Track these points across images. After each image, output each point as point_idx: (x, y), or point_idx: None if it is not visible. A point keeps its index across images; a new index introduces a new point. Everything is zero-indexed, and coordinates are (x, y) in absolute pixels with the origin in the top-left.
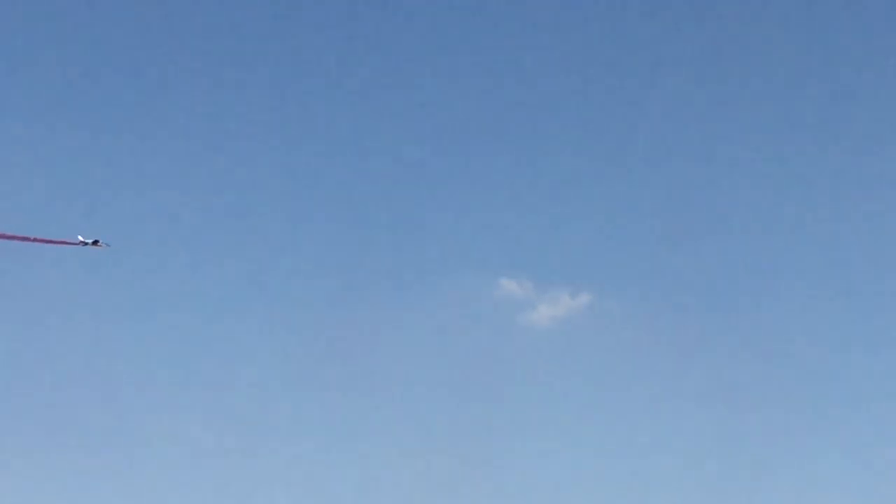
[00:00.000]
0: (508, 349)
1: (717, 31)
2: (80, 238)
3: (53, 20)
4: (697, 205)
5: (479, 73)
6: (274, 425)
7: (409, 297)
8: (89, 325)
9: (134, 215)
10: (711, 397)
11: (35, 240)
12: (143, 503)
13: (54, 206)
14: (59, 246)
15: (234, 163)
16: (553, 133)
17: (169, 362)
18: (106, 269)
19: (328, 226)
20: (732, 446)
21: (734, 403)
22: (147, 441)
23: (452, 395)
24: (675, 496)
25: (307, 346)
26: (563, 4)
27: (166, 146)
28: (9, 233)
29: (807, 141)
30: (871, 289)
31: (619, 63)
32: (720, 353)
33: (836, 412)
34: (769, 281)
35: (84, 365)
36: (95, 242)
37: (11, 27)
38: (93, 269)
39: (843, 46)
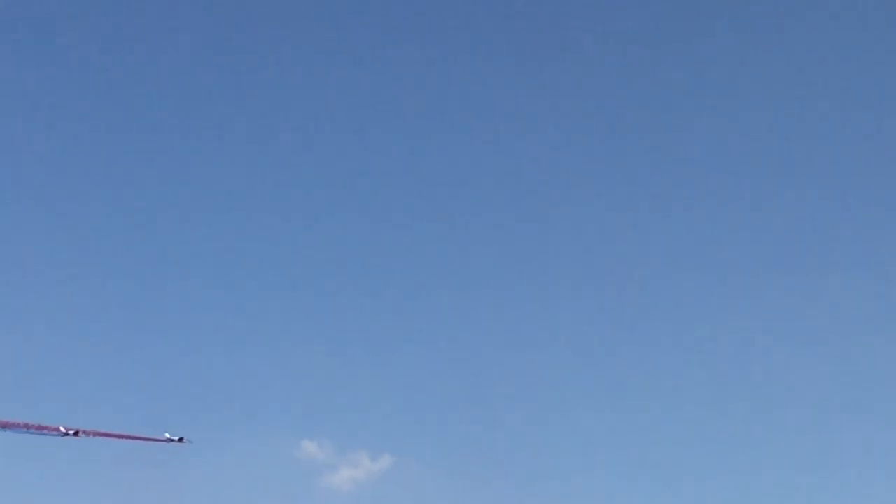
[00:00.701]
0: None
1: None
2: (167, 435)
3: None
4: (494, 368)
5: None
6: None
7: (212, 456)
8: None
9: None
10: None
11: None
12: None
13: None
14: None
15: None
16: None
17: None
18: None
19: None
20: None
21: None
22: None
23: None
24: None
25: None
26: None
27: None
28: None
29: None
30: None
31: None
32: None
33: None
34: (562, 449)
35: None
36: (181, 440)
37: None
38: None
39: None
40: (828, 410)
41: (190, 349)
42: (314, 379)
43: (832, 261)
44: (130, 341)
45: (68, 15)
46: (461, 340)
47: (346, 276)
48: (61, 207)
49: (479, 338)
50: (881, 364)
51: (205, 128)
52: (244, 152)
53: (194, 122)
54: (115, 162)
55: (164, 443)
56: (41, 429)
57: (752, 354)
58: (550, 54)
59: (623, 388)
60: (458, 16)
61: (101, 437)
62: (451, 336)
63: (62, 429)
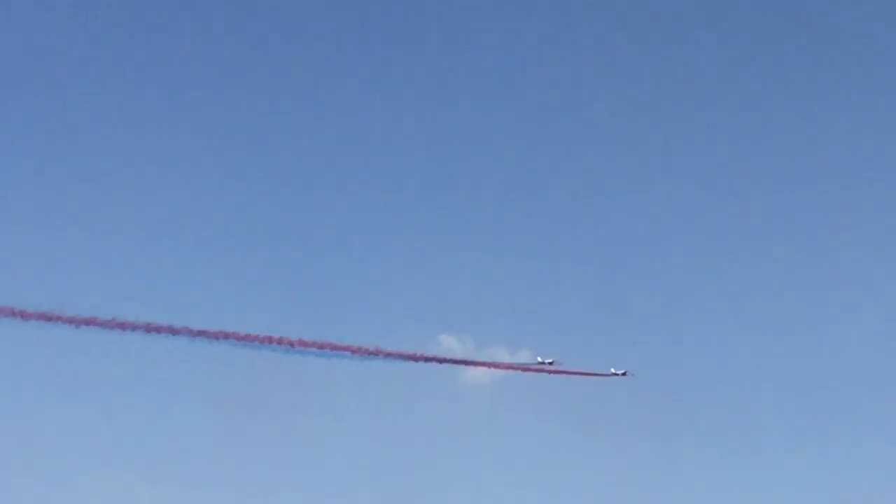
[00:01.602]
0: None
1: None
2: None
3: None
4: (629, 270)
5: None
6: None
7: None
8: None
9: None
10: None
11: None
12: None
13: None
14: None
15: None
16: None
17: None
18: None
19: None
20: None
21: None
22: None
23: None
24: None
25: None
26: None
27: None
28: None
29: None
30: None
31: None
32: None
33: None
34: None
35: None
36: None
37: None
38: None
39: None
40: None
41: (334, 253)
42: (453, 277)
43: None
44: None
45: None
46: (598, 244)
47: (484, 181)
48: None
49: (613, 241)
50: None
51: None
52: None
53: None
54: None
55: (608, 376)
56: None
57: None
58: None
59: None
60: None
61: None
62: (589, 238)
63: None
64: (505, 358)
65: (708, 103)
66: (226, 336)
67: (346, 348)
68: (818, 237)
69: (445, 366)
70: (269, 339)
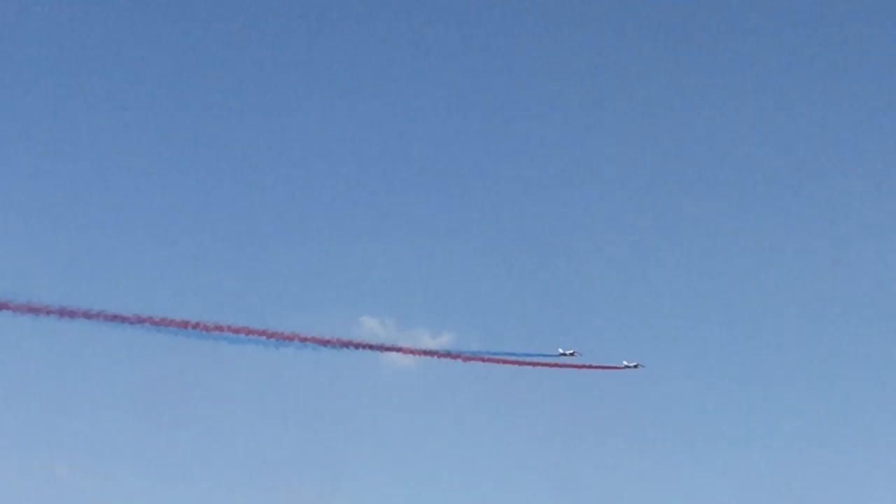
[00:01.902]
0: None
1: None
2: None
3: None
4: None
5: None
6: None
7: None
8: None
9: None
10: None
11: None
12: None
13: None
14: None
15: None
16: None
17: None
18: None
19: None
20: None
21: None
22: None
23: None
24: None
25: None
26: None
27: None
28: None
29: None
30: None
31: None
32: None
33: None
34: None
35: None
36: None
37: None
38: None
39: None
40: None
41: (253, 236)
42: (374, 258)
43: None
44: (198, 228)
45: None
46: (520, 229)
47: (405, 163)
48: None
49: (534, 227)
50: None
51: None
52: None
53: None
54: None
55: (621, 369)
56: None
57: None
58: None
59: None
60: None
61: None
62: (512, 224)
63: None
64: (426, 341)
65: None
66: (140, 321)
67: (262, 333)
68: (815, 229)
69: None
70: (186, 324)
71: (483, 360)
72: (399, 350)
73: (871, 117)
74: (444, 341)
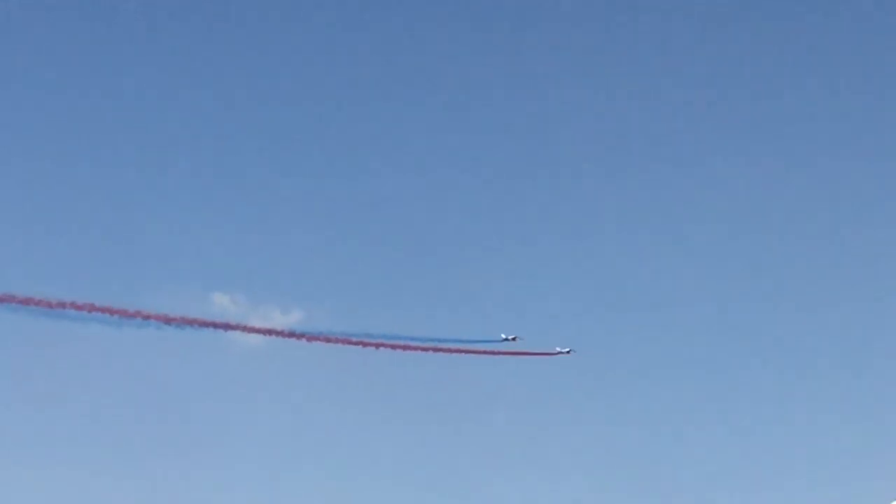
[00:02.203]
0: None
1: None
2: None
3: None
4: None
5: None
6: None
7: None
8: None
9: None
10: None
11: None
12: None
13: None
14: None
15: None
16: None
17: None
18: None
19: None
20: None
21: None
22: None
23: None
24: None
25: None
26: None
27: None
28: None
29: None
30: None
31: None
32: None
33: None
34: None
35: None
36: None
37: None
38: None
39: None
40: None
41: (100, 208)
42: (226, 233)
43: None
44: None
45: None
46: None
47: (247, 135)
48: None
49: (387, 203)
50: None
51: None
52: None
53: None
54: None
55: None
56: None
57: None
58: None
59: None
60: None
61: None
62: (363, 198)
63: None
64: (277, 318)
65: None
66: None
67: (106, 310)
68: (759, 207)
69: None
70: (28, 301)
71: (390, 346)
72: (267, 332)
73: (869, 118)
74: (294, 318)
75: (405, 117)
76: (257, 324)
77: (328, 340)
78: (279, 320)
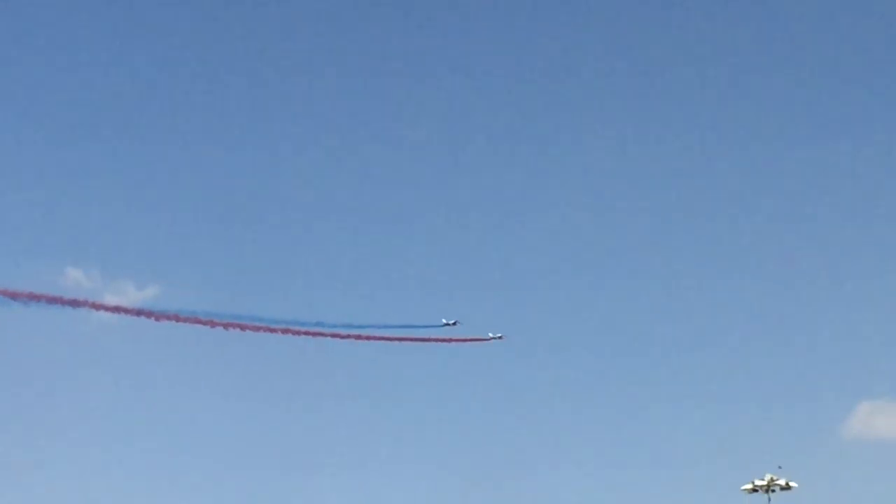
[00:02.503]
0: None
1: None
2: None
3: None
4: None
5: None
6: None
7: None
8: None
9: None
10: None
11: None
12: None
13: None
14: None
15: None
16: None
17: None
18: None
19: None
20: None
21: None
22: None
23: None
24: None
25: None
26: None
27: None
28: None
29: None
30: None
31: None
32: None
33: None
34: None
35: None
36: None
37: None
38: None
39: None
40: None
41: None
42: (79, 205)
43: None
44: None
45: None
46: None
47: (102, 106)
48: None
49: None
50: None
51: None
52: None
53: None
54: None
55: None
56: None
57: None
58: None
59: None
60: None
61: None
62: (219, 172)
63: None
64: (132, 293)
65: None
66: None
67: None
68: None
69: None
70: None
71: (239, 326)
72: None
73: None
74: (149, 294)
75: (269, 88)
76: (112, 299)
77: (178, 320)
78: (133, 296)
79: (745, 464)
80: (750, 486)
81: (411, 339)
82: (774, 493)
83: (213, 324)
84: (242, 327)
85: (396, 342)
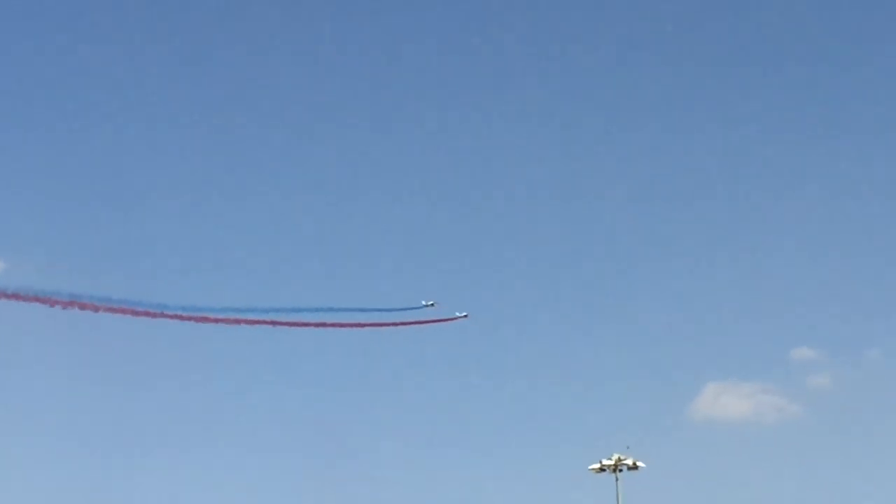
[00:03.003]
0: None
1: None
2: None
3: None
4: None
5: None
6: None
7: None
8: None
9: None
10: None
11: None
12: None
13: None
14: None
15: None
16: None
17: None
18: None
19: None
20: None
21: None
22: None
23: None
24: None
25: None
26: None
27: None
28: None
29: None
30: None
31: None
32: None
33: None
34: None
35: None
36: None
37: None
38: None
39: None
40: None
41: None
42: None
43: None
44: None
45: None
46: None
47: None
48: None
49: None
50: None
51: None
52: None
53: None
54: None
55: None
56: None
57: None
58: None
59: None
60: None
61: None
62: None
63: None
64: None
65: None
66: None
67: None
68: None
69: None
70: None
71: (80, 306)
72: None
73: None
74: None
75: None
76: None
77: (19, 298)
78: None
79: (593, 443)
80: (598, 465)
81: (372, 325)
82: (622, 473)
83: (52, 303)
84: (82, 306)
85: (360, 328)
